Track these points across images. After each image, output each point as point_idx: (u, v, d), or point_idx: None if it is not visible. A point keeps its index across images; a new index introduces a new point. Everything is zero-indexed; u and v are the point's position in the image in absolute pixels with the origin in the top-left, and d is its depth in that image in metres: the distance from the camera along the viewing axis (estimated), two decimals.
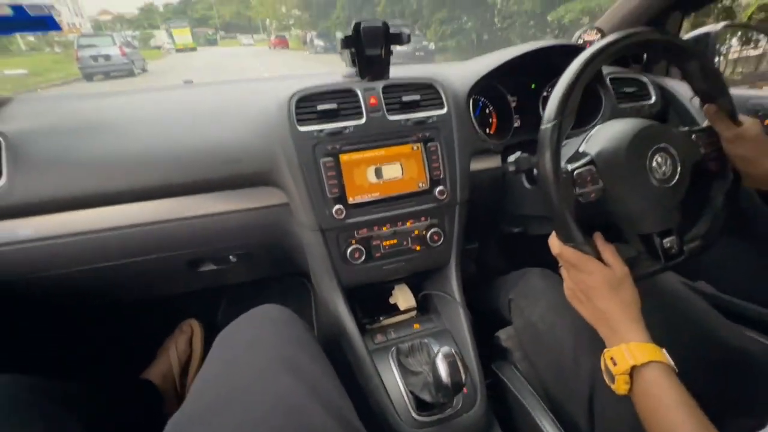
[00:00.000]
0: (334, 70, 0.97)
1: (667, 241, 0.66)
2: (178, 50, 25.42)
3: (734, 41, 1.21)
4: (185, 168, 0.76)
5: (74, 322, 1.09)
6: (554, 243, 0.60)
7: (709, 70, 0.65)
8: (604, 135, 0.67)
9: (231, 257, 0.89)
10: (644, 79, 1.07)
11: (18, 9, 0.73)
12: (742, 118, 0.66)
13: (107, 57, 11.75)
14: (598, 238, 0.60)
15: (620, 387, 0.51)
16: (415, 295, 0.94)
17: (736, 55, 1.30)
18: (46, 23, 0.78)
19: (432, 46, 12.71)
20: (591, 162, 0.61)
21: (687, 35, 1.08)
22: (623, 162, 0.62)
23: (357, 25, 0.73)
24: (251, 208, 0.81)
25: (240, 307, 0.65)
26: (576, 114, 0.59)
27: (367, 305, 0.94)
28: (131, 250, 0.78)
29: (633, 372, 0.50)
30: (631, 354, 0.50)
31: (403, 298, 0.92)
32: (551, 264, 0.71)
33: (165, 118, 0.82)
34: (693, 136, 0.69)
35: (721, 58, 1.17)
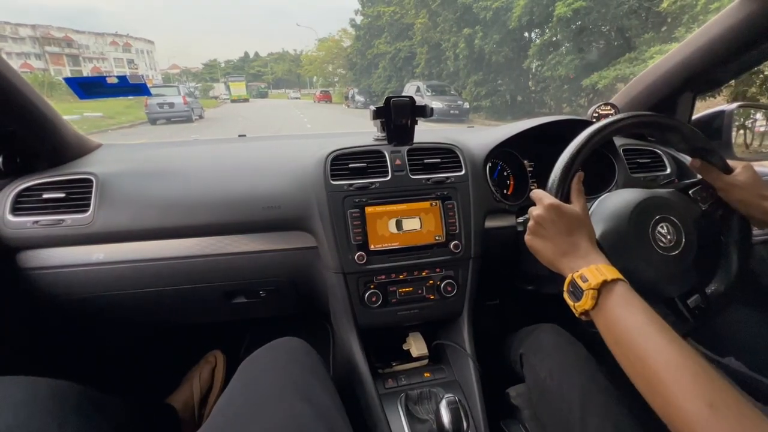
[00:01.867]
0: (367, 129, 1.10)
1: (691, 301, 0.68)
2: (233, 101, 28.10)
3: (759, 115, 1.26)
4: (233, 210, 0.88)
5: (118, 340, 1.20)
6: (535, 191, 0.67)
7: (689, 133, 0.70)
8: (604, 211, 0.72)
9: (261, 292, 0.98)
10: (658, 150, 1.13)
11: (122, 78, 0.92)
12: (732, 164, 0.70)
13: (171, 104, 13.17)
14: (577, 178, 0.66)
15: (587, 302, 0.52)
16: (428, 344, 0.97)
17: (762, 129, 1.34)
18: (140, 89, 0.97)
19: (467, 105, 13.32)
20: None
21: (700, 114, 1.15)
22: (626, 239, 0.66)
23: (388, 100, 0.86)
24: (283, 249, 0.91)
25: (263, 341, 0.73)
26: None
27: (381, 350, 0.98)
28: (180, 278, 0.89)
29: (602, 288, 0.52)
30: (601, 272, 0.53)
31: (415, 345, 0.96)
32: (567, 323, 0.73)
33: (221, 168, 0.96)
34: (690, 192, 0.73)
35: (746, 131, 1.22)
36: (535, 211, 0.64)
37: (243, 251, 0.90)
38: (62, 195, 0.83)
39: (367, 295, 0.86)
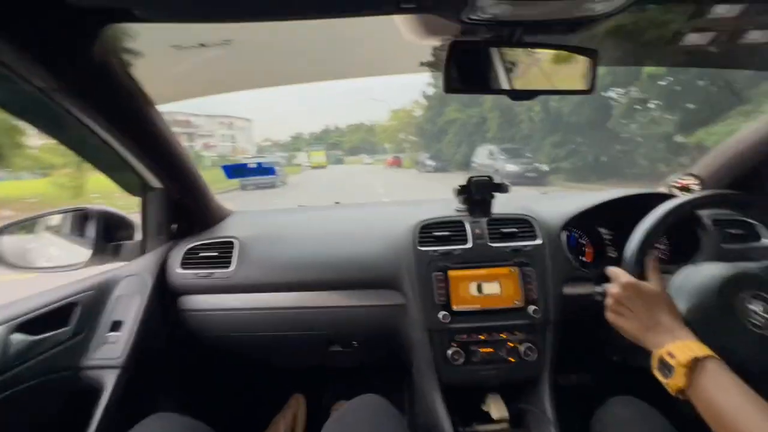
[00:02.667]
0: (443, 195, 1.24)
1: None
2: (313, 167, 30.52)
3: None
4: (335, 270, 1.06)
5: (229, 377, 1.40)
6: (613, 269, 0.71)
7: None
8: (688, 285, 0.71)
9: (354, 342, 1.11)
10: (753, 221, 1.09)
11: (258, 164, 1.22)
12: None
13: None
14: (652, 261, 0.68)
15: (678, 380, 0.52)
16: (508, 406, 0.99)
17: None
18: (269, 171, 1.26)
19: (545, 167, 12.97)
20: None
21: None
22: (714, 315, 0.66)
23: (469, 179, 1.01)
24: (375, 305, 1.05)
25: (344, 390, 0.82)
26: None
27: (460, 410, 1.03)
28: (290, 325, 1.07)
29: (693, 365, 0.52)
30: (690, 348, 0.53)
31: (495, 407, 0.99)
32: (659, 396, 0.72)
33: (325, 233, 1.17)
34: None
35: None
36: (612, 289, 0.69)
37: (342, 305, 1.05)
38: (215, 253, 1.08)
39: (450, 352, 0.94)
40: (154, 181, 1.05)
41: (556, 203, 1.21)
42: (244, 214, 1.41)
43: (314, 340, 1.10)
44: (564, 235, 1.06)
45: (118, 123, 0.80)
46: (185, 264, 1.08)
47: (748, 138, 1.12)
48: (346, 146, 75.32)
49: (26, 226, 1.03)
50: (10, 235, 1.00)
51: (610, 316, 0.70)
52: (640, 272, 0.70)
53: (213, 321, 1.08)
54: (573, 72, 0.71)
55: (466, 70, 0.67)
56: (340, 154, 59.29)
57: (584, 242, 1.15)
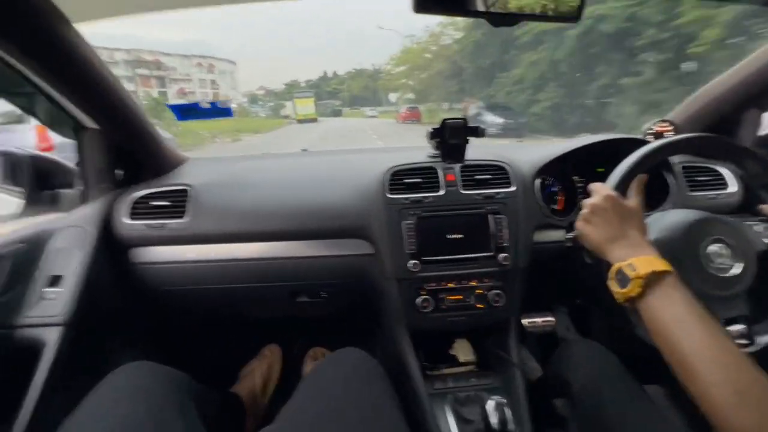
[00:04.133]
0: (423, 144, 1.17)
1: (734, 330, 0.68)
2: (299, 121, 23.49)
3: None
4: (300, 219, 1.00)
5: (194, 330, 1.37)
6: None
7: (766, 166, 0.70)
8: (658, 224, 0.74)
9: (322, 293, 1.08)
10: (719, 169, 1.09)
11: (213, 104, 1.09)
12: None
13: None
14: (639, 179, 0.70)
15: (633, 290, 0.55)
16: (475, 350, 1.02)
17: None
18: (226, 112, 1.13)
19: (523, 119, 13.25)
20: None
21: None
22: (676, 252, 0.68)
23: (443, 122, 0.94)
24: (344, 255, 1.01)
25: (317, 340, 0.80)
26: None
27: (428, 354, 1.04)
28: (254, 277, 1.02)
29: (650, 278, 0.54)
30: (651, 263, 0.55)
31: (462, 351, 1.01)
32: (613, 337, 0.74)
33: (290, 181, 1.09)
34: (757, 227, 0.73)
35: None
36: (590, 200, 0.69)
37: (308, 255, 1.01)
38: (167, 203, 0.99)
39: (419, 300, 0.93)
40: (87, 121, 0.92)
41: (530, 151, 1.17)
42: (201, 161, 1.30)
43: (278, 291, 1.06)
44: (537, 183, 1.03)
45: (27, 47, 0.67)
46: (135, 214, 0.98)
47: (721, 84, 1.10)
48: (346, 95, 65.74)
49: None
50: None
51: (580, 224, 0.70)
52: (621, 191, 0.70)
53: (168, 274, 1.01)
54: None
55: None
56: (337, 105, 49.25)
57: (556, 189, 1.13)
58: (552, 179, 1.13)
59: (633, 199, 0.68)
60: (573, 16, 0.65)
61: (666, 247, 0.68)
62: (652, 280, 0.55)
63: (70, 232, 0.90)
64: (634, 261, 0.57)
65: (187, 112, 1.07)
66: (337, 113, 45.68)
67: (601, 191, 0.68)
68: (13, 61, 0.69)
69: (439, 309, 0.95)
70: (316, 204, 1.01)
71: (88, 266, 0.87)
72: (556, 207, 1.12)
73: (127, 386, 0.59)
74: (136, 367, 0.63)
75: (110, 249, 0.96)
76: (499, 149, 1.23)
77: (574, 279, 1.01)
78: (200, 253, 0.99)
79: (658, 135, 1.23)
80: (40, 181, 1.03)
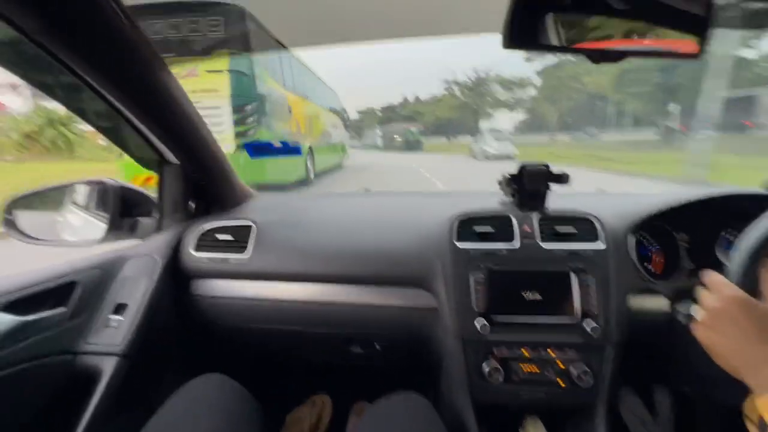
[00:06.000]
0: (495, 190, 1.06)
1: None
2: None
3: None
4: (359, 263, 0.94)
5: (244, 368, 1.34)
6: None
7: None
8: None
9: (377, 345, 1.00)
10: None
11: (284, 143, 1.11)
12: None
13: None
14: (765, 267, 0.52)
15: None
16: None
17: None
18: (297, 151, 1.15)
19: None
20: None
21: None
22: None
23: (521, 167, 0.85)
24: (403, 306, 0.92)
25: (370, 391, 0.72)
26: None
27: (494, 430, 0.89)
28: (306, 320, 0.97)
29: None
30: None
31: None
32: None
33: (352, 221, 1.05)
34: None
35: None
36: (710, 301, 0.53)
37: (364, 303, 0.94)
38: (231, 237, 1.00)
39: (487, 368, 0.81)
40: (170, 156, 0.98)
41: (618, 202, 1.02)
42: (267, 196, 1.33)
43: (332, 337, 0.99)
44: (632, 240, 0.88)
45: (123, 84, 0.72)
46: (200, 246, 1.00)
47: None
48: (429, 119, 45.27)
49: (42, 196, 0.99)
50: (26, 206, 0.97)
51: (702, 333, 0.54)
52: (748, 286, 0.53)
53: (226, 309, 1.00)
54: (676, 26, 0.54)
55: (532, 21, 0.52)
56: (414, 132, 31.72)
57: (653, 249, 0.96)
58: (648, 236, 0.96)
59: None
60: (693, 54, 0.56)
61: None
62: None
63: (140, 261, 0.93)
64: None
65: (259, 150, 1.11)
66: (413, 146, 29.80)
67: (723, 290, 0.52)
68: (111, 98, 0.75)
69: (510, 380, 0.82)
70: (377, 248, 0.95)
71: (151, 295, 0.88)
72: (652, 269, 0.95)
73: (206, 399, 0.63)
74: (211, 380, 0.67)
75: (175, 279, 0.97)
76: (581, 199, 1.10)
77: (683, 361, 0.82)
78: (258, 290, 0.97)
79: None
80: (124, 210, 1.11)
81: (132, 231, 1.08)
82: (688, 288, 0.85)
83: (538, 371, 0.81)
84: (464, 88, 40.03)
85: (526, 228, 0.87)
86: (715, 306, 0.52)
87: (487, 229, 0.88)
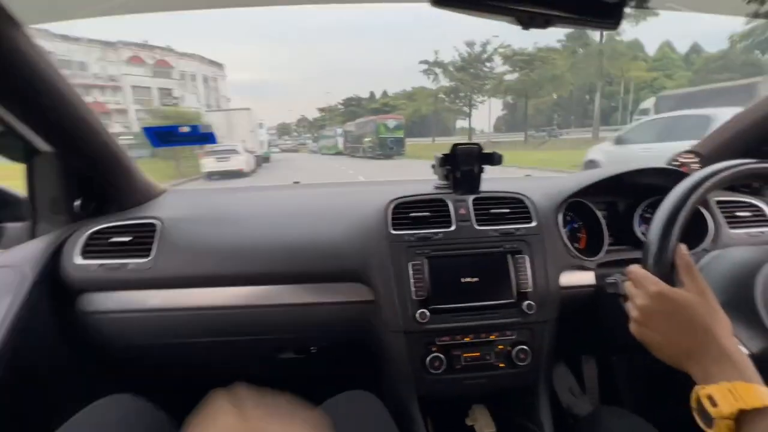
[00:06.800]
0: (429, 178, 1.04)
1: None
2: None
3: None
4: (287, 259, 0.84)
5: (153, 390, 1.15)
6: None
7: None
8: (715, 278, 0.61)
9: (312, 348, 0.91)
10: (760, 203, 0.99)
11: (193, 127, 0.97)
12: None
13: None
14: (679, 251, 0.53)
15: None
16: (496, 420, 0.84)
17: None
18: (208, 138, 1.01)
19: None
20: None
21: None
22: (757, 313, 0.55)
23: (454, 147, 0.82)
24: (339, 302, 0.85)
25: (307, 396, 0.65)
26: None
27: (440, 424, 0.86)
28: (231, 329, 0.85)
29: (740, 419, 0.40)
30: (737, 394, 0.40)
31: (481, 420, 0.83)
32: (667, 402, 0.60)
33: (277, 215, 0.95)
34: None
35: None
36: (639, 298, 0.53)
37: (296, 302, 0.84)
38: (128, 239, 0.84)
39: (429, 359, 0.77)
40: (40, 143, 0.79)
41: (545, 183, 1.05)
42: (180, 192, 1.16)
43: (260, 345, 0.88)
44: (560, 218, 0.91)
45: None
46: (89, 252, 0.82)
47: (749, 115, 1.02)
48: (407, 112, 35.18)
49: None
50: None
51: (637, 330, 0.54)
52: (668, 272, 0.55)
53: (126, 325, 0.83)
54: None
55: None
56: (391, 127, 21.34)
57: (576, 225, 1.00)
58: (572, 214, 1.00)
59: (691, 285, 0.51)
60: (611, 23, 0.56)
61: (744, 310, 0.55)
62: (746, 421, 0.40)
63: (1, 275, 0.74)
64: (714, 391, 0.42)
65: (164, 137, 0.95)
66: (391, 148, 20.74)
67: (647, 286, 0.52)
68: None
69: (453, 369, 0.79)
70: (306, 242, 0.86)
71: (15, 318, 0.69)
72: (578, 245, 0.99)
73: (111, 422, 0.57)
74: (119, 401, 0.61)
75: (54, 296, 0.79)
76: (509, 183, 1.12)
77: (610, 330, 0.86)
78: (166, 299, 0.82)
79: (681, 166, 1.13)
80: None
81: None
82: (611, 262, 0.90)
83: (478, 356, 0.79)
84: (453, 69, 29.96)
85: (462, 211, 0.85)
86: (644, 303, 0.52)
87: (423, 213, 0.84)
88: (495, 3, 0.49)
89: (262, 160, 16.23)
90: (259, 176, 12.88)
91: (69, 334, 0.82)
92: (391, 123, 21.10)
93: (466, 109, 32.45)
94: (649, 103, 15.91)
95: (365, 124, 22.65)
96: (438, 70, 30.83)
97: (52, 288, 0.78)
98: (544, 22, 0.52)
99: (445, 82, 31.54)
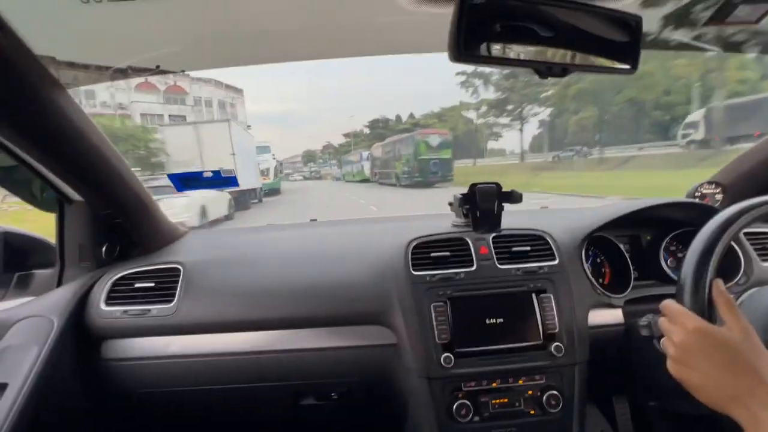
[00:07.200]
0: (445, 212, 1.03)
1: None
2: None
3: None
4: (307, 303, 0.84)
5: None
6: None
7: None
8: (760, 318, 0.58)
9: (333, 394, 0.89)
10: None
11: (216, 172, 0.99)
12: None
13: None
14: (717, 287, 0.51)
15: None
16: None
17: None
18: (231, 181, 1.04)
19: None
20: None
21: None
22: None
23: (472, 186, 0.83)
24: (360, 346, 0.83)
25: None
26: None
27: None
28: (247, 375, 0.83)
29: None
30: None
31: None
32: None
33: (296, 256, 0.95)
34: None
35: None
36: (676, 335, 0.51)
37: (315, 347, 0.83)
38: (152, 284, 0.85)
39: (455, 406, 0.74)
40: (71, 192, 0.82)
41: (564, 217, 1.04)
42: (203, 233, 1.18)
43: (280, 392, 0.86)
44: (583, 254, 0.89)
45: (12, 117, 0.59)
46: (113, 299, 0.83)
47: None
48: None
49: None
50: None
51: (675, 369, 0.51)
52: (705, 308, 0.52)
53: (145, 372, 0.83)
54: (613, 44, 0.55)
55: (479, 32, 0.49)
56: (434, 146, 15.88)
57: (600, 261, 0.98)
58: (594, 249, 0.98)
59: (733, 323, 0.48)
60: (628, 67, 0.57)
61: None
62: None
63: (28, 324, 0.75)
64: None
65: (187, 182, 0.98)
66: (435, 172, 15.98)
67: (685, 323, 0.50)
68: None
69: (480, 416, 0.75)
70: (326, 284, 0.86)
71: (42, 368, 0.70)
72: (603, 281, 0.96)
73: None
74: None
75: (79, 342, 0.79)
76: (528, 217, 1.11)
77: (644, 373, 0.82)
78: (186, 345, 0.82)
79: (703, 197, 1.11)
80: (13, 261, 0.91)
81: (22, 287, 0.89)
82: (639, 298, 0.87)
83: (507, 402, 0.76)
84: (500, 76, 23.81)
85: (483, 250, 0.84)
86: (682, 340, 0.50)
87: (443, 253, 0.83)
88: (513, 58, 0.50)
89: (259, 194, 11.75)
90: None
91: (92, 381, 0.81)
92: (435, 139, 16.11)
93: (514, 123, 26.28)
94: (698, 115, 13.95)
95: (399, 143, 17.78)
96: (478, 81, 26.08)
97: (78, 335, 0.79)
98: (562, 71, 0.54)
99: (486, 94, 26.31)
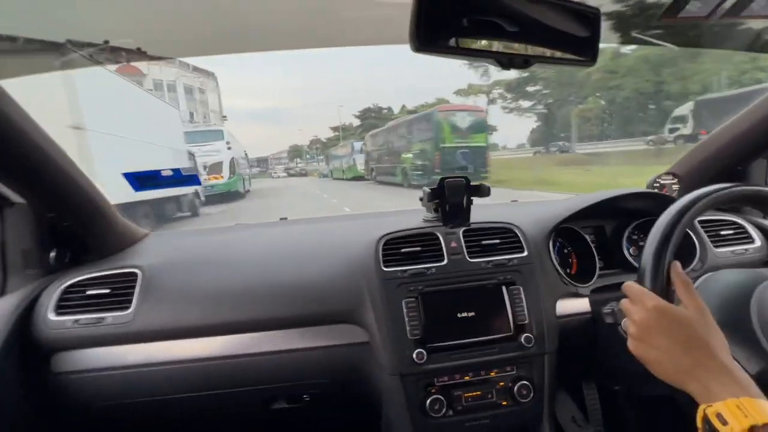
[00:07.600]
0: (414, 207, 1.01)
1: None
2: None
3: None
4: (275, 304, 0.81)
5: None
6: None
7: None
8: (709, 300, 0.61)
9: (305, 396, 0.86)
10: (740, 221, 1.01)
11: (175, 170, 0.95)
12: None
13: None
14: (675, 268, 0.53)
15: None
16: None
17: None
18: (192, 179, 0.99)
19: None
20: None
21: None
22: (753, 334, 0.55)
23: (441, 180, 0.82)
24: (331, 345, 0.81)
25: None
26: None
27: None
28: (216, 382, 0.80)
29: None
30: (745, 411, 0.40)
31: None
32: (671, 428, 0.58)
33: (264, 256, 0.92)
34: None
35: None
36: (636, 314, 0.52)
37: (285, 349, 0.81)
38: (106, 291, 0.79)
39: (428, 401, 0.73)
40: (12, 194, 0.75)
41: (535, 210, 1.06)
42: (164, 235, 1.12)
43: (249, 397, 0.83)
44: (551, 245, 0.91)
45: None
46: (63, 308, 0.78)
47: (724, 135, 1.06)
48: None
49: None
50: None
51: (635, 346, 0.53)
52: (664, 288, 0.54)
53: (102, 384, 0.78)
54: (572, 36, 0.56)
55: (439, 22, 0.48)
56: (468, 124, 10.28)
57: (568, 252, 1.00)
58: (561, 240, 1.01)
59: (689, 302, 0.51)
60: (588, 59, 0.58)
61: (739, 332, 0.56)
62: None
63: None
64: (722, 408, 0.41)
65: (144, 181, 0.93)
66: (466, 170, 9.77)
67: (645, 301, 0.52)
68: None
69: (454, 410, 0.75)
70: (295, 284, 0.83)
71: None
72: (570, 271, 0.99)
73: None
74: None
75: (24, 358, 0.73)
76: (497, 210, 1.12)
77: (610, 359, 0.85)
78: (146, 354, 0.77)
79: (661, 188, 1.16)
80: None
81: None
82: (604, 287, 0.90)
83: (479, 395, 0.76)
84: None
85: (453, 244, 0.84)
86: (642, 318, 0.52)
87: (414, 248, 0.83)
88: (475, 48, 0.50)
89: (195, 203, 7.47)
90: None
91: (44, 397, 0.75)
92: (464, 118, 11.10)
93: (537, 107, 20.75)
94: (685, 109, 12.41)
95: (406, 126, 12.71)
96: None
97: (23, 348, 0.73)
98: (524, 62, 0.54)
99: (499, 75, 19.87)
